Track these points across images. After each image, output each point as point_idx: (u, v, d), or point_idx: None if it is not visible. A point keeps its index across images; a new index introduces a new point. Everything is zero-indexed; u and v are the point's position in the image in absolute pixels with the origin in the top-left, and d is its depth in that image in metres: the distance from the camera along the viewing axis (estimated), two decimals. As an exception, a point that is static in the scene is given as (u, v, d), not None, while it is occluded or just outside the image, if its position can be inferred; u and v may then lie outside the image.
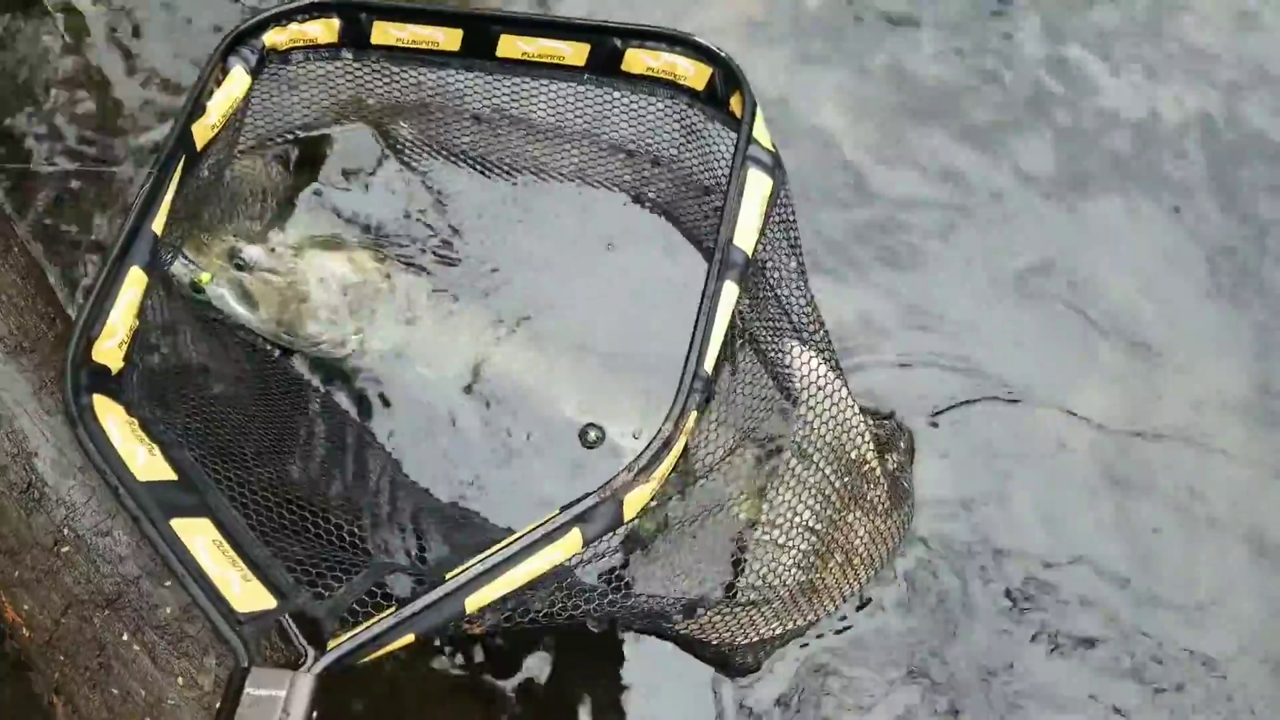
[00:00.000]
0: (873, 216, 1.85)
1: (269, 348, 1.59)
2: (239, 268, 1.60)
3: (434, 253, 1.73)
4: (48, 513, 1.32)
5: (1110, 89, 2.04)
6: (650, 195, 1.73)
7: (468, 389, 1.61)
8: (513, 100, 1.66)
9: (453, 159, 1.77)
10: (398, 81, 1.67)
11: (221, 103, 1.44)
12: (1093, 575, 1.61)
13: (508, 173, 1.77)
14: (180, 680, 1.25)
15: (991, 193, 1.88)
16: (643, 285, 1.69)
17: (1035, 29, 2.08)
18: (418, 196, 1.75)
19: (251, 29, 1.49)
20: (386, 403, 1.62)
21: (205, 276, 1.57)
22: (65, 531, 1.31)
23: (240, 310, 1.60)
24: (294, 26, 1.53)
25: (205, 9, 1.94)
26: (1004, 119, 1.97)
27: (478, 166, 1.76)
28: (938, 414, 1.66)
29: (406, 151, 1.77)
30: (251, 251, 1.61)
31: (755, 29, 2.02)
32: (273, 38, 1.52)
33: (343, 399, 1.59)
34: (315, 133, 1.77)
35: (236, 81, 1.47)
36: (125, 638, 1.27)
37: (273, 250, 1.64)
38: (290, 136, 1.75)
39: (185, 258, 1.57)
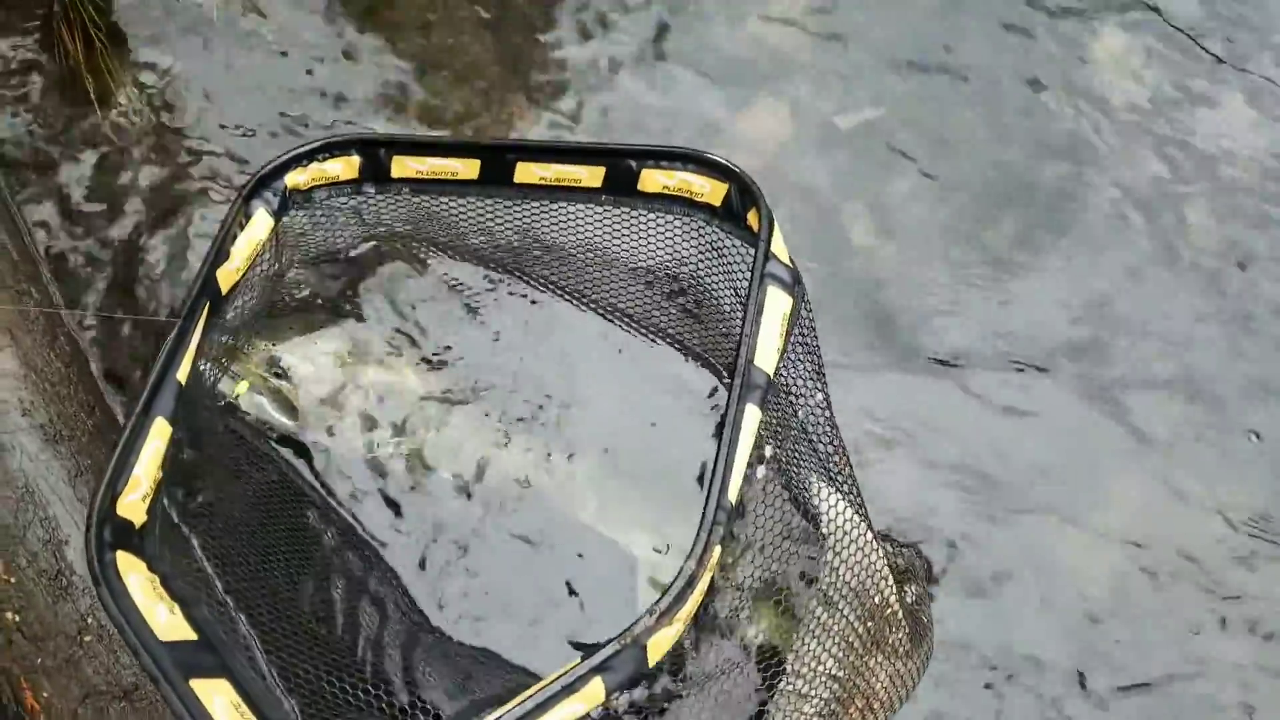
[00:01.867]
0: (896, 328, 1.84)
1: (294, 467, 1.60)
2: (278, 376, 1.62)
3: (466, 363, 1.74)
4: (74, 601, 1.35)
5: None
6: (674, 308, 1.73)
7: (492, 494, 1.60)
8: (538, 218, 1.68)
9: (484, 274, 1.79)
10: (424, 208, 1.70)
11: (244, 246, 1.47)
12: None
13: (537, 286, 1.79)
14: None
15: (1019, 308, 1.87)
16: (666, 396, 1.68)
17: (1062, 144, 2.09)
18: (452, 310, 1.78)
19: (272, 172, 1.53)
20: (411, 513, 1.61)
21: (242, 386, 1.59)
22: (89, 620, 1.34)
23: (278, 418, 1.61)
24: (314, 166, 1.57)
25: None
26: (1030, 237, 1.97)
27: (508, 280, 1.80)
28: (953, 529, 1.62)
29: (440, 270, 1.80)
30: (290, 360, 1.63)
31: (784, 147, 2.05)
32: (294, 178, 1.56)
33: (368, 508, 1.59)
34: (354, 253, 1.81)
35: (259, 224, 1.50)
36: None
37: (312, 360, 1.65)
38: (330, 258, 1.79)
39: (224, 366, 1.59)
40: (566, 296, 1.78)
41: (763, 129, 2.11)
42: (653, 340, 1.76)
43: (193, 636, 1.12)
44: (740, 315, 1.61)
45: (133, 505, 1.21)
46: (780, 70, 2.17)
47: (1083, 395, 1.81)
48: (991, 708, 1.54)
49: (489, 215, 1.68)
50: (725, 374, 1.68)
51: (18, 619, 1.35)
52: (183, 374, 1.32)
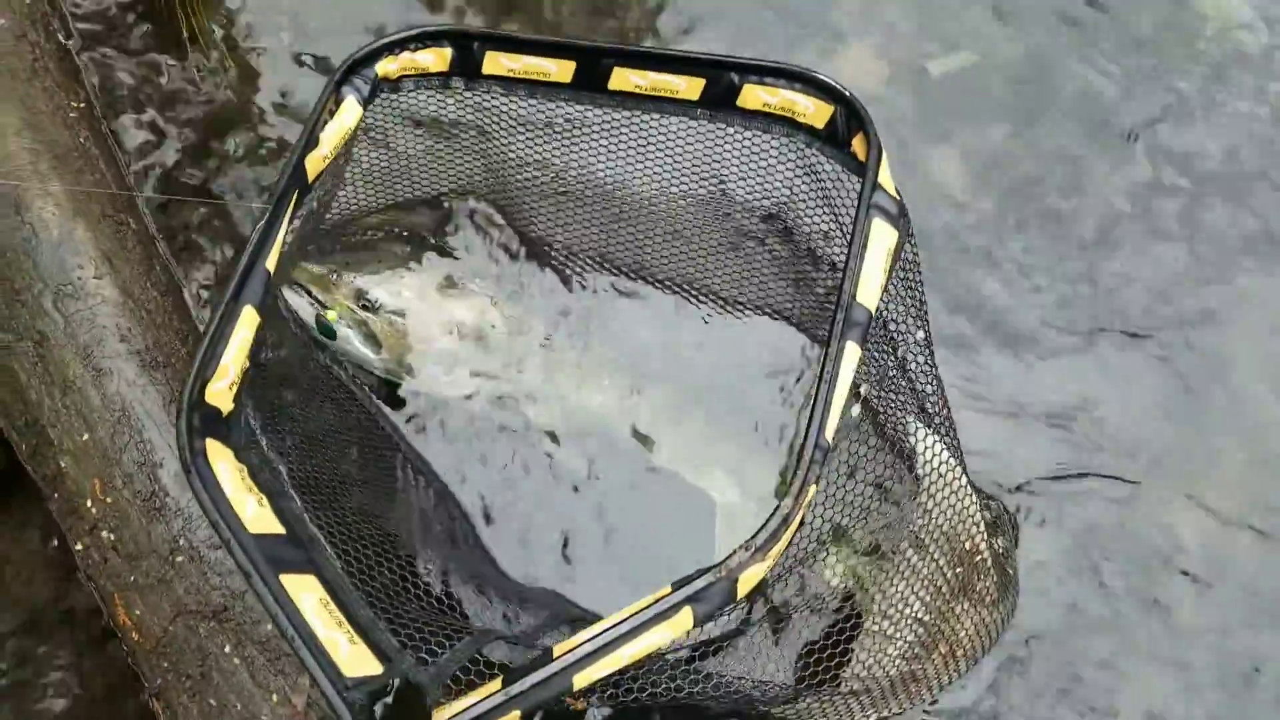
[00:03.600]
0: (989, 282, 1.79)
1: (374, 394, 1.59)
2: (365, 308, 1.60)
3: (549, 302, 1.72)
4: (166, 522, 1.38)
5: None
6: (766, 242, 1.68)
7: (568, 432, 1.58)
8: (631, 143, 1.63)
9: (569, 209, 1.75)
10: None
11: (334, 133, 1.42)
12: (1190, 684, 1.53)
13: (626, 224, 1.74)
14: (275, 698, 1.28)
15: (1116, 268, 1.80)
16: (751, 340, 1.65)
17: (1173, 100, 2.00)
18: (539, 248, 1.75)
19: (364, 58, 1.47)
20: (489, 451, 1.61)
21: (331, 315, 1.57)
22: (181, 542, 1.37)
23: (364, 351, 1.61)
24: (405, 55, 1.51)
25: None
26: (1132, 190, 1.90)
27: (593, 215, 1.75)
28: (1044, 485, 1.59)
29: (524, 204, 1.76)
30: (378, 294, 1.62)
31: (873, 91, 1.97)
32: (384, 67, 1.50)
33: (447, 444, 1.58)
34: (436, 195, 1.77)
35: (349, 112, 1.45)
36: (227, 650, 1.31)
37: (399, 294, 1.63)
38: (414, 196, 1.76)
39: (312, 296, 1.57)
40: (651, 217, 1.72)
41: (850, 72, 2.01)
42: (741, 273, 1.71)
43: (280, 530, 1.12)
44: (828, 245, 1.60)
45: (220, 393, 1.20)
46: (871, 10, 2.07)
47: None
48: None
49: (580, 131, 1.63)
50: (808, 317, 1.65)
51: (113, 538, 1.38)
52: (271, 263, 1.29)
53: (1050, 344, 1.76)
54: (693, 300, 1.73)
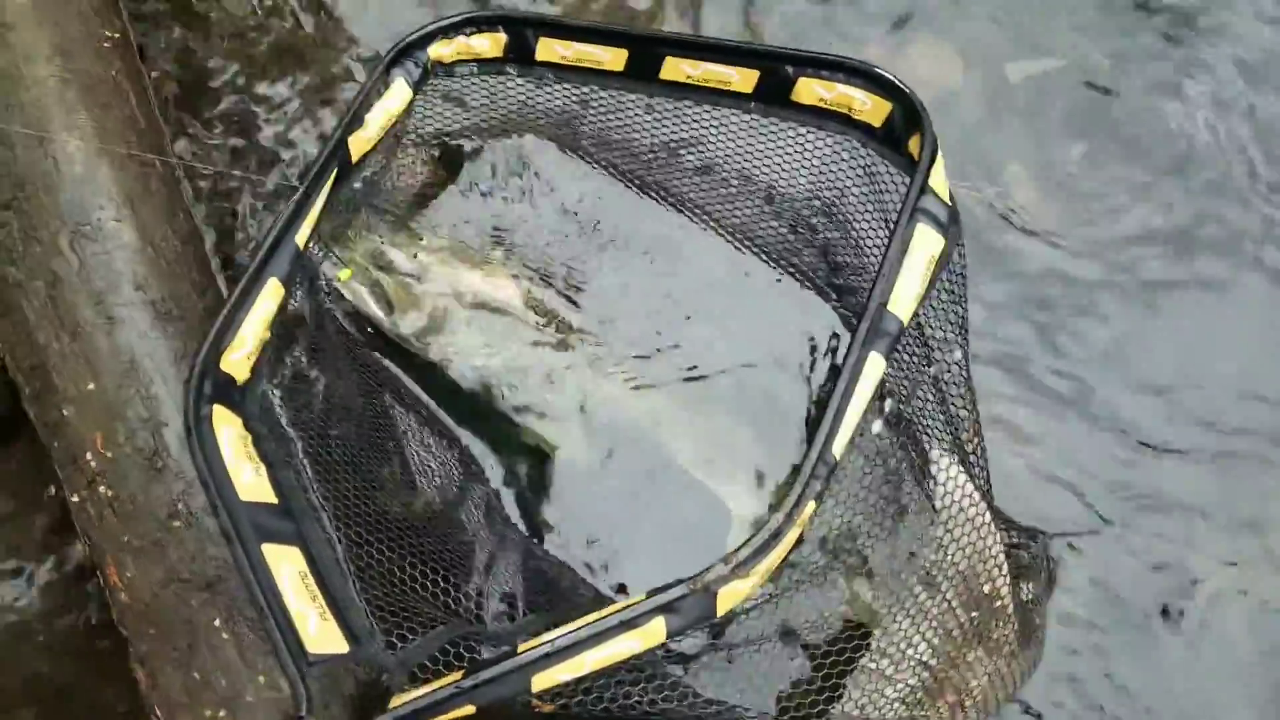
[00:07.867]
0: (1045, 298, 1.66)
1: (390, 366, 1.58)
2: (380, 269, 1.59)
3: (570, 278, 1.67)
4: (166, 484, 1.32)
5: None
6: (812, 247, 1.60)
7: (584, 422, 1.53)
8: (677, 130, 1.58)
9: (604, 189, 1.70)
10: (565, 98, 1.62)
11: (380, 116, 1.43)
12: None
13: (660, 205, 1.69)
14: (262, 679, 1.23)
15: (1182, 292, 1.64)
16: (783, 338, 1.57)
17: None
18: (565, 219, 1.70)
19: (417, 41, 1.47)
20: (498, 427, 1.56)
21: (345, 273, 1.56)
22: (179, 506, 1.31)
23: (375, 310, 1.58)
24: (460, 40, 1.51)
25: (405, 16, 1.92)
26: (1203, 216, 1.74)
27: (631, 189, 1.70)
28: (1081, 537, 1.46)
29: (558, 180, 1.72)
30: (396, 255, 1.59)
31: (946, 94, 1.85)
32: (437, 50, 1.50)
33: (454, 419, 1.55)
34: (478, 140, 1.75)
35: (397, 95, 1.45)
36: (217, 624, 1.26)
37: (415, 256, 1.62)
38: (454, 140, 1.73)
39: (329, 251, 1.57)
40: (692, 213, 1.67)
41: (923, 72, 1.87)
42: (783, 272, 1.63)
43: (273, 500, 1.12)
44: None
45: (237, 363, 1.21)
46: (949, 5, 1.92)
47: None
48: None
49: (625, 117, 1.59)
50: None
51: (110, 494, 1.33)
52: (302, 238, 1.30)
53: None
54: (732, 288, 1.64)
